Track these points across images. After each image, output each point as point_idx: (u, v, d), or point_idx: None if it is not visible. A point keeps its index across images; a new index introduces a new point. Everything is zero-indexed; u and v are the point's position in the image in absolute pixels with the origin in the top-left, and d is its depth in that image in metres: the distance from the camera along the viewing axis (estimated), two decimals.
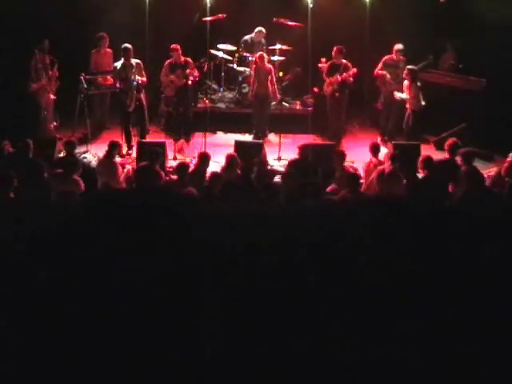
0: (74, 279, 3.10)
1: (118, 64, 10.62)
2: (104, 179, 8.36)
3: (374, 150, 8.94)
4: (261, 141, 10.75)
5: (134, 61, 10.56)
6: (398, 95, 10.90)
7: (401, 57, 11.24)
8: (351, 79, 11.07)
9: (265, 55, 11.37)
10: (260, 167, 8.47)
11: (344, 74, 10.99)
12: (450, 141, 8.96)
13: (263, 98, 11.36)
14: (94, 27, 11.57)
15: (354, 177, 7.78)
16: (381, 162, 8.61)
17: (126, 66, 10.53)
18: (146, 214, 3.30)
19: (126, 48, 10.54)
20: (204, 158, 8.50)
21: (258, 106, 11.49)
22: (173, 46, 11.07)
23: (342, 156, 8.79)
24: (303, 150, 8.90)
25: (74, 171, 7.84)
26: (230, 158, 8.32)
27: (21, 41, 10.51)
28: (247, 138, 11.39)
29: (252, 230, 3.39)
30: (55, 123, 10.95)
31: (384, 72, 11.27)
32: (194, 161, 9.84)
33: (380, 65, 11.32)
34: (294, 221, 3.52)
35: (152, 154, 8.37)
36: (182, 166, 8.25)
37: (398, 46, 11.22)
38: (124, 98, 10.53)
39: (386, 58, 11.33)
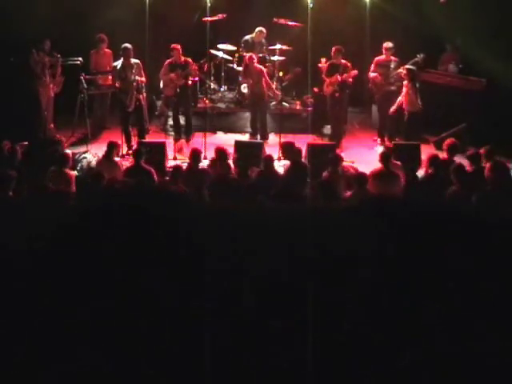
0: (69, 276, 3.10)
1: (118, 64, 10.61)
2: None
3: (385, 159, 8.49)
4: (261, 141, 10.76)
5: (133, 61, 10.56)
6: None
7: (391, 56, 11.19)
8: (351, 80, 11.05)
9: (254, 56, 11.37)
10: (266, 166, 8.38)
11: (344, 74, 10.97)
12: (448, 141, 8.94)
13: (258, 99, 11.34)
14: (94, 27, 11.58)
15: (361, 176, 7.72)
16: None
17: (126, 65, 10.52)
18: (138, 213, 3.30)
19: (125, 48, 10.53)
20: (195, 156, 8.48)
21: (252, 106, 11.46)
22: (173, 45, 11.06)
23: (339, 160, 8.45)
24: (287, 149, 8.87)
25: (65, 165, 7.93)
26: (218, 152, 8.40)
27: (21, 41, 10.51)
28: (247, 138, 11.39)
29: (254, 231, 3.39)
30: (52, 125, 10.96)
31: (375, 74, 11.23)
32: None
33: (373, 66, 11.29)
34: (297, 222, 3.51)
35: (137, 153, 8.41)
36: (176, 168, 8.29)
37: (388, 44, 11.15)
38: (124, 98, 10.53)
39: (377, 58, 11.28)
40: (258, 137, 11.31)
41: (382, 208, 3.55)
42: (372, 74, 11.24)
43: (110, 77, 11.08)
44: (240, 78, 12.38)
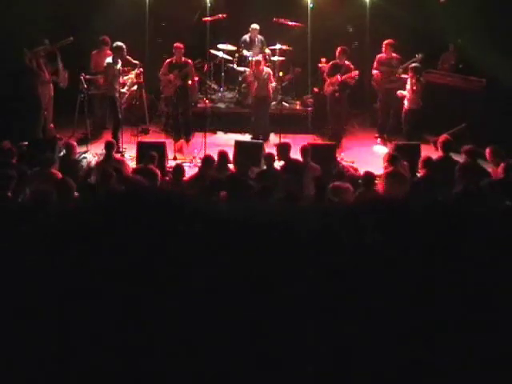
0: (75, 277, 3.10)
1: (110, 62, 10.65)
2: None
3: (394, 160, 8.19)
4: (261, 141, 10.75)
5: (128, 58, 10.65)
6: (399, 92, 10.81)
7: (393, 54, 11.19)
8: (352, 81, 11.03)
9: (261, 59, 11.39)
10: (269, 163, 8.33)
11: (345, 74, 10.96)
12: (442, 138, 8.91)
13: (263, 100, 11.36)
14: (94, 27, 11.59)
15: (369, 176, 7.66)
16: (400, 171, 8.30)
17: (119, 63, 10.59)
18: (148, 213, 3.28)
19: (119, 47, 10.57)
20: (208, 162, 8.40)
21: (257, 107, 11.48)
22: (176, 44, 11.04)
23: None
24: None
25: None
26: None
27: (22, 41, 10.53)
28: (247, 138, 11.39)
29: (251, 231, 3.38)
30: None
31: (376, 72, 11.23)
32: (195, 161, 9.88)
33: (375, 64, 11.28)
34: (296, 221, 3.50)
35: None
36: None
37: (388, 41, 11.14)
38: (117, 95, 10.59)
39: (379, 56, 11.27)
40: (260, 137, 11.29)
41: (392, 208, 3.51)
42: (374, 72, 11.25)
43: (103, 76, 11.07)
44: (240, 79, 12.42)
